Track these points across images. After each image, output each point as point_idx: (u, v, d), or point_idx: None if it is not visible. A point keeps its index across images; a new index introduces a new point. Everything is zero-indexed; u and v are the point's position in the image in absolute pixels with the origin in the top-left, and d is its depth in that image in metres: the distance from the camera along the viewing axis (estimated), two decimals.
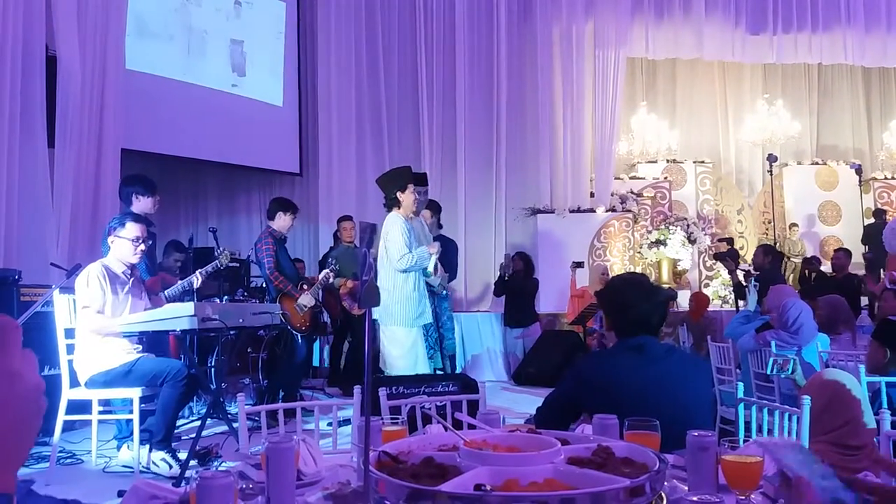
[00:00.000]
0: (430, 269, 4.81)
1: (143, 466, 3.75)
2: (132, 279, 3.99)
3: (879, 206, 10.61)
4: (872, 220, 9.77)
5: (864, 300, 7.64)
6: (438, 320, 5.52)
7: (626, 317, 2.20)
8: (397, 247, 4.54)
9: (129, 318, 3.80)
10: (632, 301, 2.19)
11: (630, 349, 2.15)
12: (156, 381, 3.78)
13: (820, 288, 6.89)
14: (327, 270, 5.85)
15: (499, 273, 8.18)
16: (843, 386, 2.33)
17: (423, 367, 4.69)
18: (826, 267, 8.99)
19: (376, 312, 4.70)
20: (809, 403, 2.11)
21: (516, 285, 7.98)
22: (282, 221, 5.53)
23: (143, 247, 3.97)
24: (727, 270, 7.80)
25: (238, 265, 7.00)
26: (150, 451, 3.78)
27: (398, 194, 4.66)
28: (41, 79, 5.71)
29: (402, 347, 4.66)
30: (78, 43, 5.97)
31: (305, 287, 5.51)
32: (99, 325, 3.78)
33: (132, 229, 3.93)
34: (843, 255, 7.88)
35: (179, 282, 4.63)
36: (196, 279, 4.53)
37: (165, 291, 4.47)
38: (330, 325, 7.27)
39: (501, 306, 8.56)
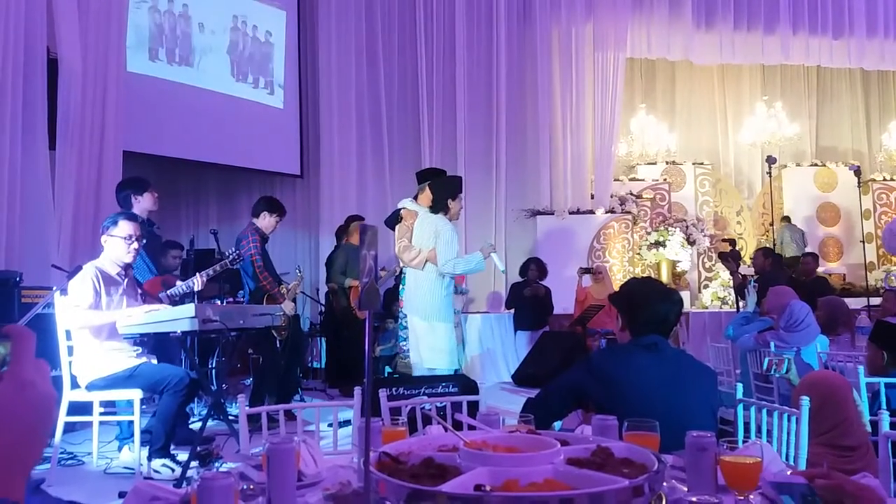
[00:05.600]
0: (501, 265, 5.24)
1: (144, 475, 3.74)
2: (126, 280, 3.94)
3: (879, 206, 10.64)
4: None
5: (862, 302, 7.69)
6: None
7: (643, 315, 2.23)
8: (451, 250, 4.70)
9: (127, 311, 3.77)
10: (650, 299, 2.24)
11: (644, 347, 2.18)
12: (157, 387, 3.76)
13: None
14: (299, 277, 5.60)
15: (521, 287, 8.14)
16: (833, 386, 2.33)
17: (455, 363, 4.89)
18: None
19: (418, 308, 4.73)
20: (808, 404, 2.12)
21: (533, 292, 8.02)
22: (267, 221, 5.36)
23: (136, 245, 3.88)
24: (728, 271, 7.81)
25: (239, 267, 6.97)
26: (150, 458, 3.75)
27: (449, 201, 4.83)
28: (42, 81, 5.71)
29: (446, 342, 4.76)
30: (79, 45, 5.98)
31: (285, 291, 5.34)
32: (90, 319, 3.72)
33: (125, 227, 3.85)
34: (811, 259, 8.25)
35: (180, 283, 4.60)
36: (197, 282, 4.48)
37: (167, 291, 4.43)
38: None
39: (501, 307, 8.56)
